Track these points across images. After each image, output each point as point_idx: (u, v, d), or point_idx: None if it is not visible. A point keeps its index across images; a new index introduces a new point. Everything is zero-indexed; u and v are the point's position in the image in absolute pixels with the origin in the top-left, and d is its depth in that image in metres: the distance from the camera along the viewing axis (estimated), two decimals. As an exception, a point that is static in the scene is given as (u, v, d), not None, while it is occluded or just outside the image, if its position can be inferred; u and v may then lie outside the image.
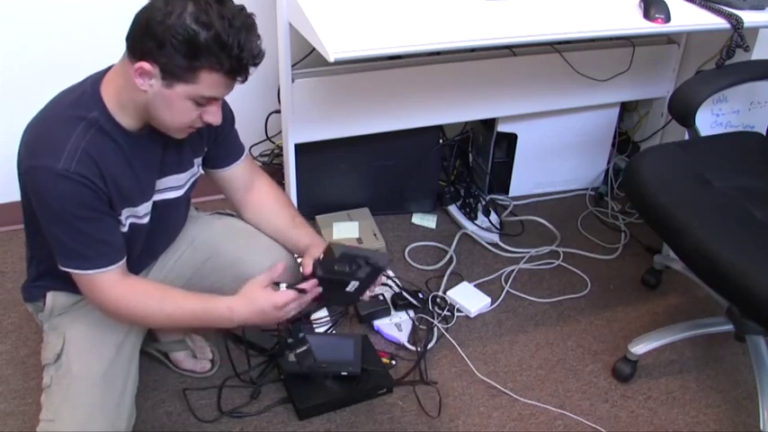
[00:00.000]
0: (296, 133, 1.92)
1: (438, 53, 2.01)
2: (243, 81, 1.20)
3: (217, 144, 1.45)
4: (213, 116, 1.23)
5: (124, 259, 1.29)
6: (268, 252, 1.50)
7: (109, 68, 1.26)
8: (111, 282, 1.26)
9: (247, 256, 1.49)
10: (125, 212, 1.30)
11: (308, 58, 1.94)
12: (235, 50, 1.13)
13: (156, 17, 1.12)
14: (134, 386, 1.42)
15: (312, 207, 2.16)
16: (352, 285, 1.36)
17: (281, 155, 2.03)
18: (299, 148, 1.95)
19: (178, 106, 1.19)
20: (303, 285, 1.31)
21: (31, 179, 1.19)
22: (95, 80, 1.24)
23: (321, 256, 1.34)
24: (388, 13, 1.60)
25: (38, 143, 1.20)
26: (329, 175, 2.15)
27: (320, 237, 1.54)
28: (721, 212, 1.51)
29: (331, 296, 1.43)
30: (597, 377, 1.76)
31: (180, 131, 1.26)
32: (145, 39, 1.13)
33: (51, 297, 1.39)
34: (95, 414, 1.32)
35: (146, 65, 1.14)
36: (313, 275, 1.32)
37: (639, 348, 1.72)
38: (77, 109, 1.21)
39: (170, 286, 1.36)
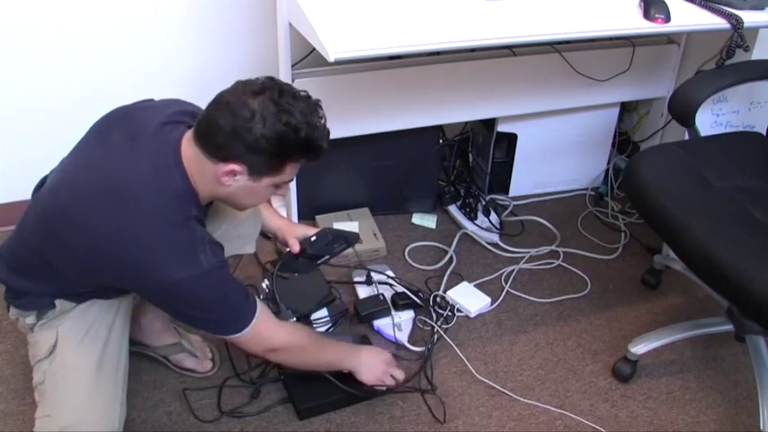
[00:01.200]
0: (296, 133, 1.92)
1: (438, 53, 2.01)
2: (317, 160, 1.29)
3: None
4: (283, 190, 1.33)
5: (260, 300, 1.37)
6: None
7: (168, 141, 1.25)
8: (271, 331, 1.38)
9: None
10: None
11: (308, 58, 1.94)
12: (318, 143, 1.24)
13: (241, 124, 1.17)
14: (125, 370, 1.43)
15: (312, 207, 2.17)
16: (324, 258, 1.64)
17: (281, 155, 2.03)
18: (299, 148, 1.95)
19: (260, 193, 1.29)
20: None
21: (177, 292, 1.22)
22: (179, 169, 1.23)
23: (314, 238, 1.59)
24: (388, 13, 1.60)
25: (166, 259, 1.20)
26: (329, 175, 2.15)
27: (285, 218, 1.70)
28: (721, 212, 1.51)
29: (298, 266, 1.62)
30: (597, 377, 1.76)
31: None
32: (232, 144, 1.18)
33: (60, 304, 1.38)
34: (92, 403, 1.33)
35: (236, 167, 1.20)
36: (302, 252, 1.57)
37: (639, 348, 1.72)
38: (180, 213, 1.23)
39: (317, 335, 1.57)
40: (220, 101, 1.20)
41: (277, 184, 1.28)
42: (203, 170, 1.23)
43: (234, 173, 1.21)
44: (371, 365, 1.57)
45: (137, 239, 1.18)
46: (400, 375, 1.60)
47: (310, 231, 1.62)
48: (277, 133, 1.18)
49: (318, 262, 1.64)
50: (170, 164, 1.23)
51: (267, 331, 1.37)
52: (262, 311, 1.35)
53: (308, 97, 1.25)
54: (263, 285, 1.62)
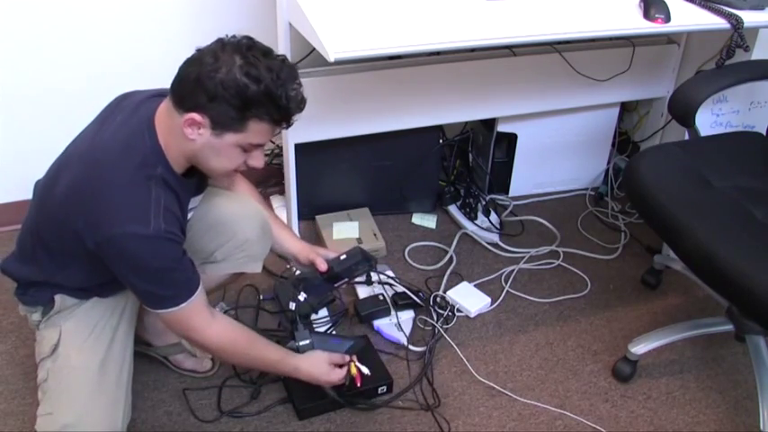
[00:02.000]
0: (296, 133, 1.92)
1: (438, 53, 2.01)
2: (287, 127, 1.26)
3: None
4: (257, 161, 1.29)
5: (202, 287, 1.33)
6: (233, 200, 1.54)
7: (150, 107, 1.28)
8: (202, 317, 1.34)
9: (215, 205, 1.51)
10: None
11: (308, 58, 1.94)
12: (282, 101, 1.20)
13: (205, 72, 1.17)
14: (129, 372, 1.44)
15: (312, 207, 2.16)
16: (344, 280, 1.64)
17: (281, 155, 2.03)
18: (299, 148, 1.95)
19: (226, 153, 1.25)
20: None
21: (119, 246, 1.21)
22: (150, 129, 1.25)
23: (344, 256, 1.61)
24: (388, 13, 1.60)
25: (118, 210, 1.20)
26: (329, 175, 2.15)
27: (304, 241, 1.69)
28: (721, 212, 1.51)
29: (318, 288, 1.63)
30: (597, 377, 1.76)
31: (224, 176, 1.33)
32: (195, 92, 1.18)
33: (60, 299, 1.39)
34: (94, 403, 1.33)
35: (196, 116, 1.19)
36: (328, 270, 1.59)
37: (639, 348, 1.72)
38: (144, 168, 1.24)
39: (255, 333, 1.46)
40: (194, 54, 1.22)
41: (244, 147, 1.24)
42: (173, 125, 1.23)
43: (196, 123, 1.20)
44: (312, 367, 1.51)
45: (94, 193, 1.21)
46: (341, 374, 1.54)
47: (331, 254, 1.64)
48: (236, 81, 1.16)
49: (336, 284, 1.65)
50: (142, 124, 1.25)
51: (195, 321, 1.33)
52: (198, 301, 1.31)
53: (284, 60, 1.23)
54: (291, 306, 1.61)
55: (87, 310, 1.41)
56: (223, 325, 1.39)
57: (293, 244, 1.65)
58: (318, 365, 1.52)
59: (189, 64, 1.21)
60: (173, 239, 1.24)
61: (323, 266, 1.60)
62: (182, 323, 1.33)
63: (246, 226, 1.51)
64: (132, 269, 1.24)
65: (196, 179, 1.37)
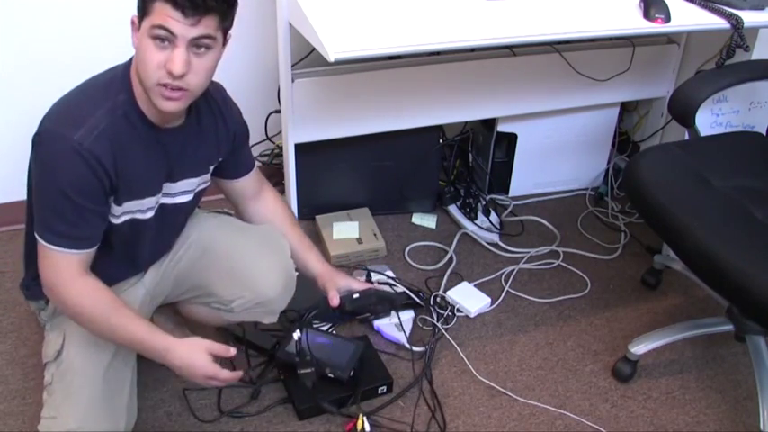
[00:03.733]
0: (296, 133, 1.92)
1: (438, 53, 2.02)
2: (191, 16, 1.13)
3: (231, 156, 1.49)
4: (172, 63, 1.15)
5: (90, 253, 1.27)
6: (261, 247, 1.53)
7: None
8: (71, 272, 1.25)
9: (240, 250, 1.50)
10: (126, 205, 1.31)
11: (308, 58, 1.94)
12: None
13: None
14: (134, 380, 1.43)
15: (312, 207, 2.17)
16: (363, 315, 1.70)
17: (281, 155, 2.03)
18: (299, 148, 1.96)
19: (144, 48, 1.16)
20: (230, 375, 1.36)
21: (42, 143, 1.20)
22: (128, 63, 1.26)
23: (356, 296, 1.62)
24: (388, 13, 1.60)
25: (61, 112, 1.21)
26: (329, 175, 2.15)
27: (328, 263, 1.68)
28: (721, 212, 1.51)
29: (332, 318, 1.70)
30: (597, 377, 1.76)
31: (155, 90, 1.19)
32: None
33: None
34: (96, 409, 1.33)
35: (133, 16, 1.19)
36: (341, 306, 1.60)
37: (639, 348, 1.72)
38: (108, 90, 1.23)
39: (126, 303, 1.34)
40: None
41: (154, 36, 1.14)
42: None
43: (132, 24, 1.19)
44: (188, 354, 1.34)
45: (66, 96, 1.26)
46: (227, 376, 1.35)
47: (353, 284, 1.63)
48: None
49: (355, 317, 1.65)
50: (122, 63, 1.27)
51: (64, 273, 1.24)
52: (76, 261, 1.24)
53: None
54: (294, 336, 1.59)
55: None
56: (89, 285, 1.27)
57: (316, 267, 1.64)
58: (196, 353, 1.33)
59: None
60: (90, 165, 1.18)
61: (335, 302, 1.60)
62: (51, 266, 1.24)
63: (270, 284, 1.49)
64: (40, 175, 1.22)
65: (179, 143, 1.32)
